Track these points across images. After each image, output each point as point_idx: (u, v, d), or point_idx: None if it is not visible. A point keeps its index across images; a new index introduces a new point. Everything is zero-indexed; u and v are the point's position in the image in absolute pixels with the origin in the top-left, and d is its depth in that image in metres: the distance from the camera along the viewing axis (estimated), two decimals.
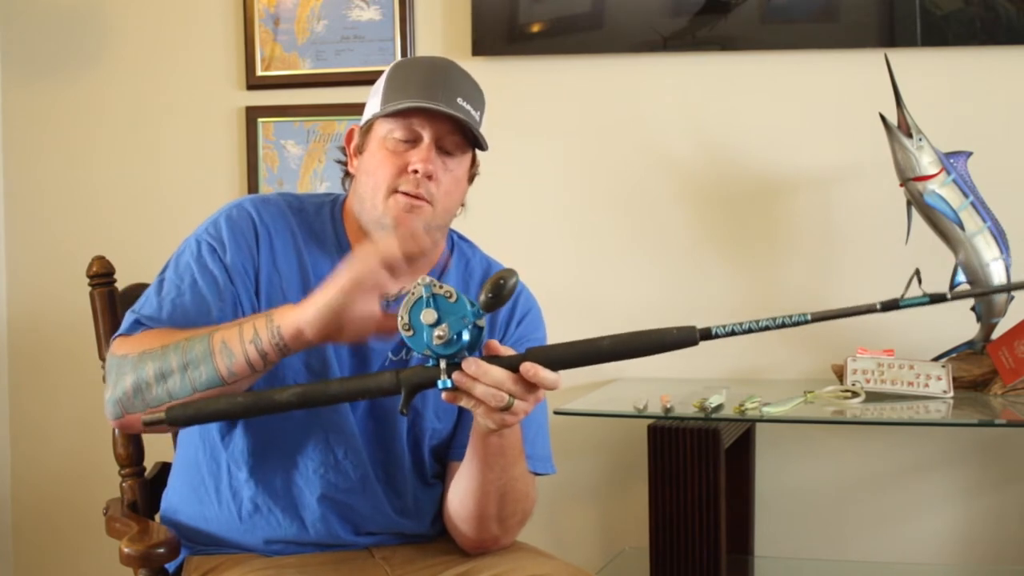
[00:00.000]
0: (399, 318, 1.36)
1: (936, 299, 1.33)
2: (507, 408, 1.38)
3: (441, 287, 1.35)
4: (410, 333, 1.35)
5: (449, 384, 1.36)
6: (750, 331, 1.33)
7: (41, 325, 2.98)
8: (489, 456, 1.55)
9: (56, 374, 2.97)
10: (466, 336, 1.34)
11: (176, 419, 1.41)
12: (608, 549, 2.68)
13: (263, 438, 1.65)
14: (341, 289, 1.42)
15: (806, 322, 1.33)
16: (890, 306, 1.33)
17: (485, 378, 1.36)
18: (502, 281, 1.33)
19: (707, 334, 1.34)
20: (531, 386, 1.38)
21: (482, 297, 1.34)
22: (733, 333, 1.33)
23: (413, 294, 1.36)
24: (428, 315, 1.34)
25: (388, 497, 1.69)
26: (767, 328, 1.33)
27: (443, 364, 1.36)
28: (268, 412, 1.44)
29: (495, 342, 1.39)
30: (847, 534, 2.59)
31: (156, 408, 1.49)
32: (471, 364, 1.35)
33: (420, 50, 2.75)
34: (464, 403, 1.38)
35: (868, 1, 2.51)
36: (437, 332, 1.34)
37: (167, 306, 1.60)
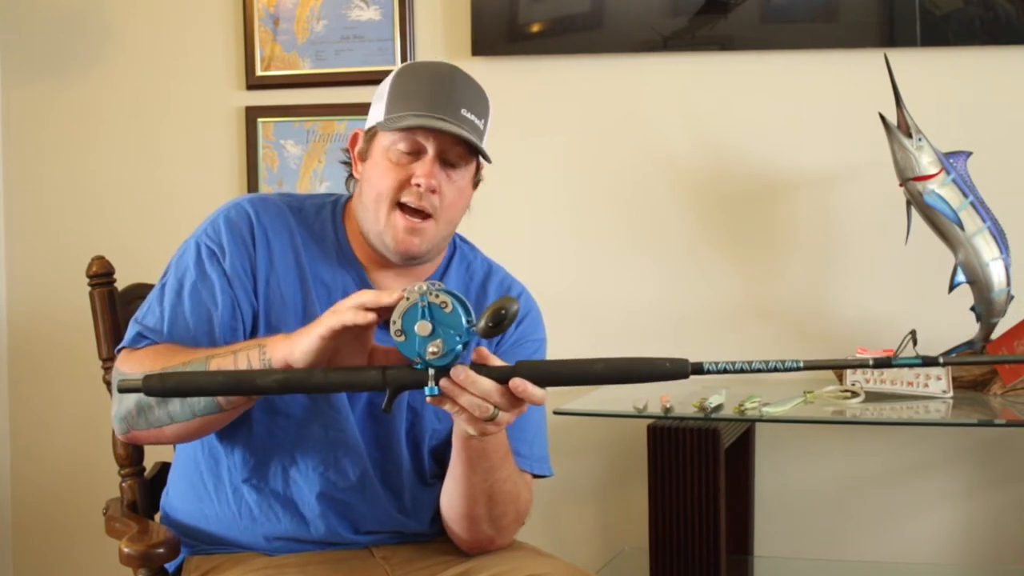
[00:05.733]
0: (392, 323, 1.35)
1: (928, 362, 1.34)
2: (491, 419, 1.38)
3: (437, 296, 1.34)
4: (402, 339, 1.35)
5: (436, 391, 1.35)
6: (741, 371, 1.33)
7: (41, 325, 2.98)
8: (471, 459, 1.55)
9: (56, 374, 2.97)
10: (459, 348, 1.34)
11: (152, 390, 1.40)
12: (608, 549, 2.68)
13: (263, 436, 1.65)
14: (321, 335, 1.42)
15: (798, 368, 1.32)
16: (882, 364, 1.34)
17: (472, 388, 1.35)
18: (503, 311, 1.32)
19: (699, 368, 1.34)
20: (517, 400, 1.37)
21: (481, 324, 1.33)
22: (725, 371, 1.33)
23: (408, 300, 1.35)
24: (423, 327, 1.33)
25: (387, 496, 1.69)
26: (758, 371, 1.32)
27: (432, 370, 1.35)
28: (248, 393, 1.46)
29: (485, 350, 1.39)
30: (847, 534, 2.59)
31: (156, 427, 1.56)
32: (460, 373, 1.35)
33: (420, 50, 2.75)
34: (448, 408, 1.38)
35: (868, 1, 2.51)
36: (431, 348, 1.33)
37: (168, 316, 1.62)
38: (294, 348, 1.45)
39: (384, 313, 1.39)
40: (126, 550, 1.63)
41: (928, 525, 2.56)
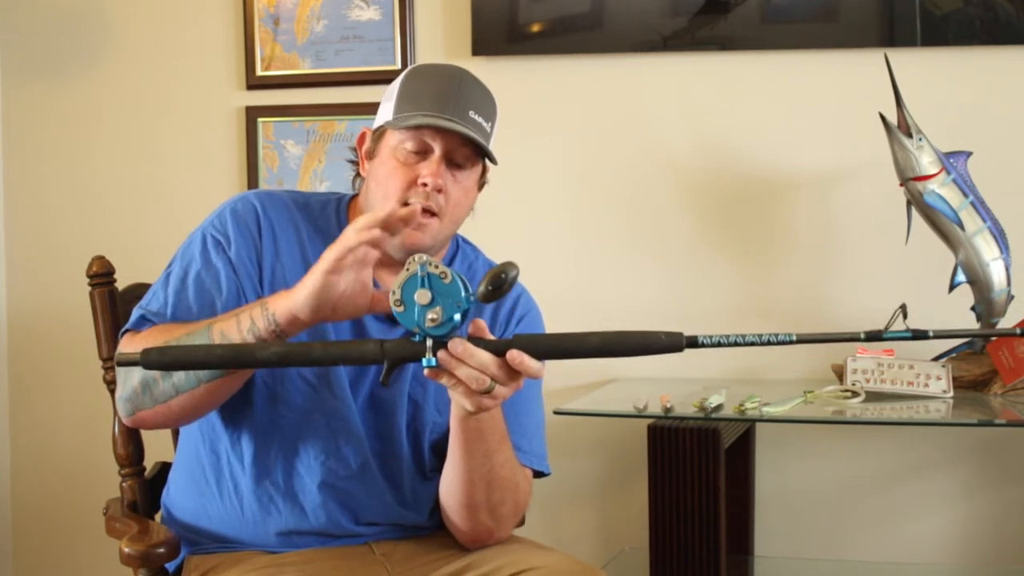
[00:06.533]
0: (391, 293, 1.35)
1: (918, 335, 1.36)
2: (487, 392, 1.38)
3: (436, 266, 1.35)
4: (401, 309, 1.35)
5: (434, 362, 1.36)
6: (736, 344, 1.34)
7: (41, 325, 2.98)
8: (469, 441, 1.56)
9: (56, 374, 2.97)
10: (457, 318, 1.34)
11: (151, 364, 1.40)
12: (608, 549, 2.68)
13: (265, 425, 1.66)
14: (324, 270, 1.44)
15: (791, 342, 1.33)
16: (873, 336, 1.35)
17: (470, 360, 1.36)
18: (503, 275, 1.33)
19: (693, 342, 1.34)
20: (514, 373, 1.38)
21: (481, 288, 1.33)
22: (719, 344, 1.34)
23: (408, 270, 1.35)
24: (422, 295, 1.34)
25: (387, 487, 1.70)
26: (752, 344, 1.33)
27: (430, 342, 1.35)
28: (247, 367, 1.47)
29: (482, 322, 1.39)
30: (847, 534, 2.59)
31: (163, 401, 1.56)
32: (458, 345, 1.35)
33: (420, 50, 2.75)
34: (445, 381, 1.39)
35: (868, 1, 2.51)
36: (430, 315, 1.33)
37: (172, 301, 1.63)
38: (297, 295, 1.46)
39: (387, 228, 1.42)
40: (126, 550, 1.63)
41: (928, 525, 2.56)
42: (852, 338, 1.35)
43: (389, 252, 1.67)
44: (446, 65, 1.75)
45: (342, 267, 1.44)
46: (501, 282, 1.33)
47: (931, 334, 1.35)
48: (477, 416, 1.49)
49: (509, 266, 1.33)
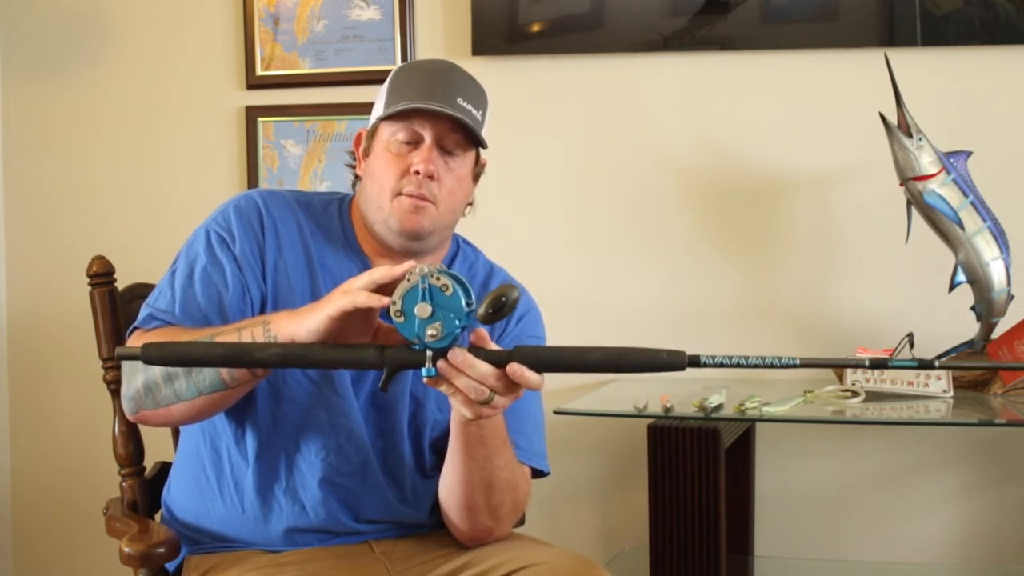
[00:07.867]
0: (391, 303, 1.35)
1: (924, 365, 1.35)
2: (487, 402, 1.38)
3: (438, 278, 1.35)
4: (401, 319, 1.35)
5: (433, 372, 1.36)
6: (739, 366, 1.33)
7: (41, 325, 2.98)
8: (469, 445, 1.56)
9: (56, 374, 2.97)
10: (458, 331, 1.35)
11: (151, 359, 1.40)
12: (608, 549, 2.68)
13: (267, 422, 1.67)
14: (331, 316, 1.42)
15: (794, 366, 1.32)
16: (878, 364, 1.34)
17: (470, 371, 1.36)
18: (504, 298, 1.33)
19: (695, 361, 1.34)
20: (513, 384, 1.38)
21: (481, 310, 1.34)
22: (722, 365, 1.33)
23: (409, 281, 1.35)
24: (422, 309, 1.34)
25: (387, 484, 1.70)
26: (755, 366, 1.32)
27: (430, 352, 1.35)
28: (246, 366, 1.46)
29: (484, 333, 1.39)
30: (847, 534, 2.59)
31: (164, 406, 1.57)
32: (458, 355, 1.35)
33: (420, 50, 2.75)
34: (444, 390, 1.39)
35: (868, 1, 2.51)
36: (430, 330, 1.34)
37: (179, 297, 1.64)
38: (300, 327, 1.45)
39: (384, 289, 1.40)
40: (126, 550, 1.63)
41: (928, 525, 2.56)
42: (857, 364, 1.33)
43: (390, 242, 1.68)
44: (433, 59, 1.77)
45: (347, 315, 1.42)
46: (501, 305, 1.33)
47: (936, 364, 1.34)
48: (478, 422, 1.49)
49: (510, 289, 1.34)
